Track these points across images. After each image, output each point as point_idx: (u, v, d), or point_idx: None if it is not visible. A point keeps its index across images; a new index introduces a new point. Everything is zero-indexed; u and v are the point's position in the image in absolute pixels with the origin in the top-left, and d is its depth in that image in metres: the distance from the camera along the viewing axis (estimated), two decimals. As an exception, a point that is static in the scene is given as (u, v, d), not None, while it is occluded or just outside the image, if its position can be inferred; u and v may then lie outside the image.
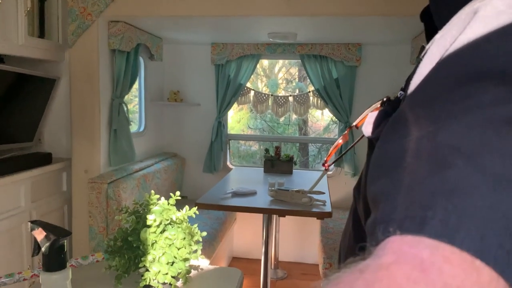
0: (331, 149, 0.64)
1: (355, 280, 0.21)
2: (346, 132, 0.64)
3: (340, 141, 0.61)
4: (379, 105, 0.46)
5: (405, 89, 0.40)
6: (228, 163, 3.55)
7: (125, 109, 2.67)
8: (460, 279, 0.19)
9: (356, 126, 0.53)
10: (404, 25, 2.45)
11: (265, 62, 5.79)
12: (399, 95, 0.42)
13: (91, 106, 2.43)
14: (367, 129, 0.41)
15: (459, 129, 0.24)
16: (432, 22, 0.38)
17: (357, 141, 0.63)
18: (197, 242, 0.97)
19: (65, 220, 2.44)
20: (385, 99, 0.47)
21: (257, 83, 6.03)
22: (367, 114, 0.44)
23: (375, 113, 0.41)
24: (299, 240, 3.40)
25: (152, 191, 1.00)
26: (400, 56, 3.10)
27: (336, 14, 2.24)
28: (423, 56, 0.32)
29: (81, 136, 2.44)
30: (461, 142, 0.23)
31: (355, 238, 0.46)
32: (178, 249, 0.91)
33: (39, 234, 0.62)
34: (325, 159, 0.68)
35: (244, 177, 3.09)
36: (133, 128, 3.12)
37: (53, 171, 2.32)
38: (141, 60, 3.10)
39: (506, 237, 0.20)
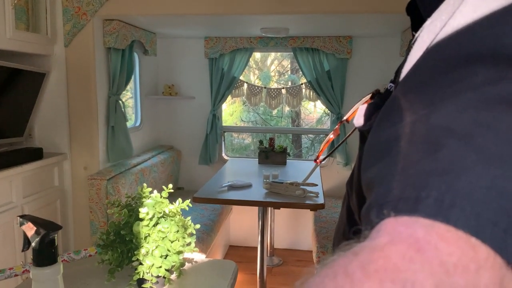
0: (322, 144, 0.64)
1: (350, 263, 0.21)
2: (337, 126, 0.64)
3: (331, 136, 0.61)
4: (369, 98, 0.47)
5: (395, 80, 0.40)
6: (223, 154, 3.57)
7: (122, 105, 2.68)
8: (457, 256, 0.19)
9: (347, 120, 0.53)
10: (393, 19, 2.48)
11: (257, 55, 5.76)
12: (389, 87, 0.42)
13: (89, 104, 2.45)
14: (359, 121, 0.42)
15: (452, 110, 0.24)
16: (418, 14, 0.38)
17: (349, 135, 0.63)
18: (190, 234, 0.96)
19: (58, 214, 2.42)
20: (375, 92, 0.47)
21: (250, 75, 6.00)
22: (357, 108, 0.44)
23: (366, 105, 0.42)
24: (294, 228, 3.45)
25: (144, 184, 0.99)
26: (390, 48, 3.13)
27: (327, 12, 2.28)
28: (413, 44, 0.32)
29: (79, 133, 2.48)
30: (454, 123, 0.23)
31: (350, 233, 0.46)
32: (172, 242, 0.91)
33: (29, 229, 0.61)
34: (317, 155, 0.68)
35: (239, 168, 3.10)
36: (129, 123, 3.12)
37: (44, 166, 2.30)
38: (136, 55, 3.08)
39: (502, 215, 0.20)
